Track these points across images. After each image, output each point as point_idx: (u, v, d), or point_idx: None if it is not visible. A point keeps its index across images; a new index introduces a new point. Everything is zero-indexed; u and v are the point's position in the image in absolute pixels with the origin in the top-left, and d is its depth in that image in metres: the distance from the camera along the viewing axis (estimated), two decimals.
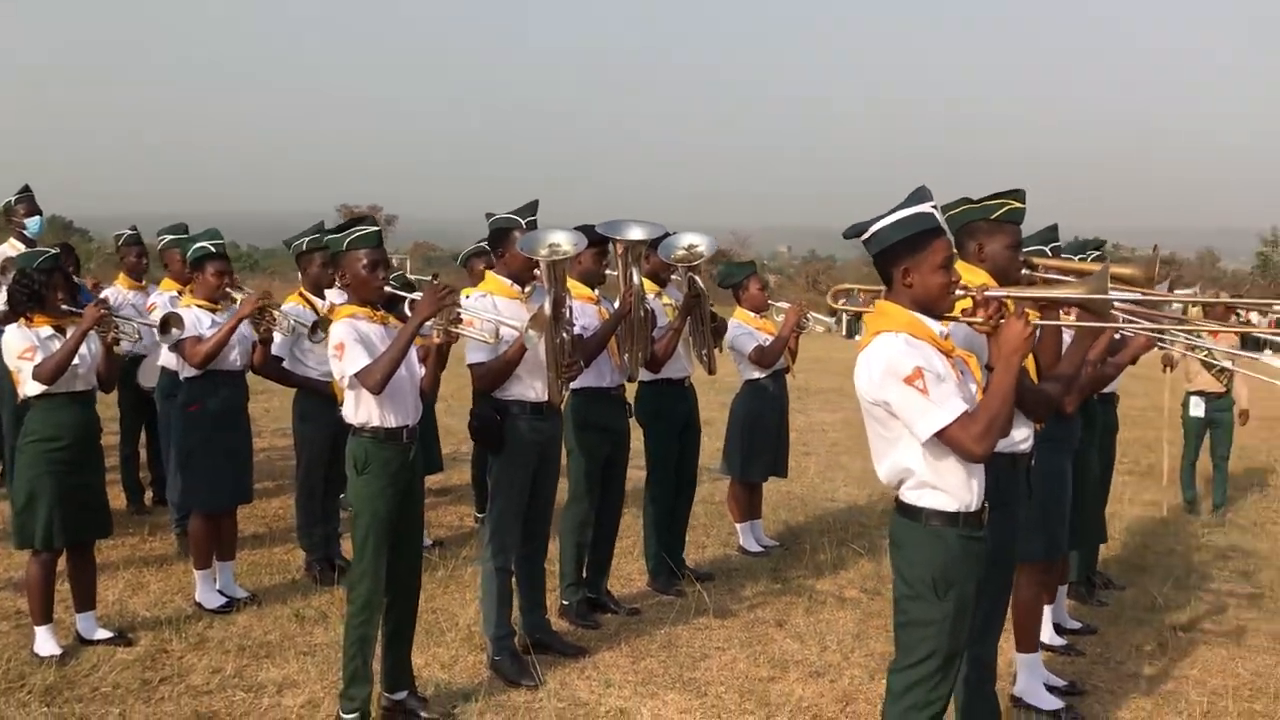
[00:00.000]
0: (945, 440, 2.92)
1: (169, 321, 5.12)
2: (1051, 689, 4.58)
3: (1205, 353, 7.22)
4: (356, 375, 3.91)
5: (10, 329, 4.76)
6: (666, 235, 5.67)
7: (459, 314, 4.10)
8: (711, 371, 6.04)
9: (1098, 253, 5.73)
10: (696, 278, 5.70)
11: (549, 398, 4.72)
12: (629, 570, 6.26)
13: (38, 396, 4.66)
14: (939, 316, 3.09)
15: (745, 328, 6.59)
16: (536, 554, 4.97)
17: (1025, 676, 4.53)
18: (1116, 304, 3.72)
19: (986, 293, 3.09)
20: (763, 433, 6.72)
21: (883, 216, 3.09)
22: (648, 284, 5.87)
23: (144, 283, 7.16)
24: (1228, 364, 7.91)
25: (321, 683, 4.55)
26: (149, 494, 7.46)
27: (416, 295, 4.25)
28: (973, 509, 3.05)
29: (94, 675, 4.57)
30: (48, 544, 4.65)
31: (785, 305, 6.90)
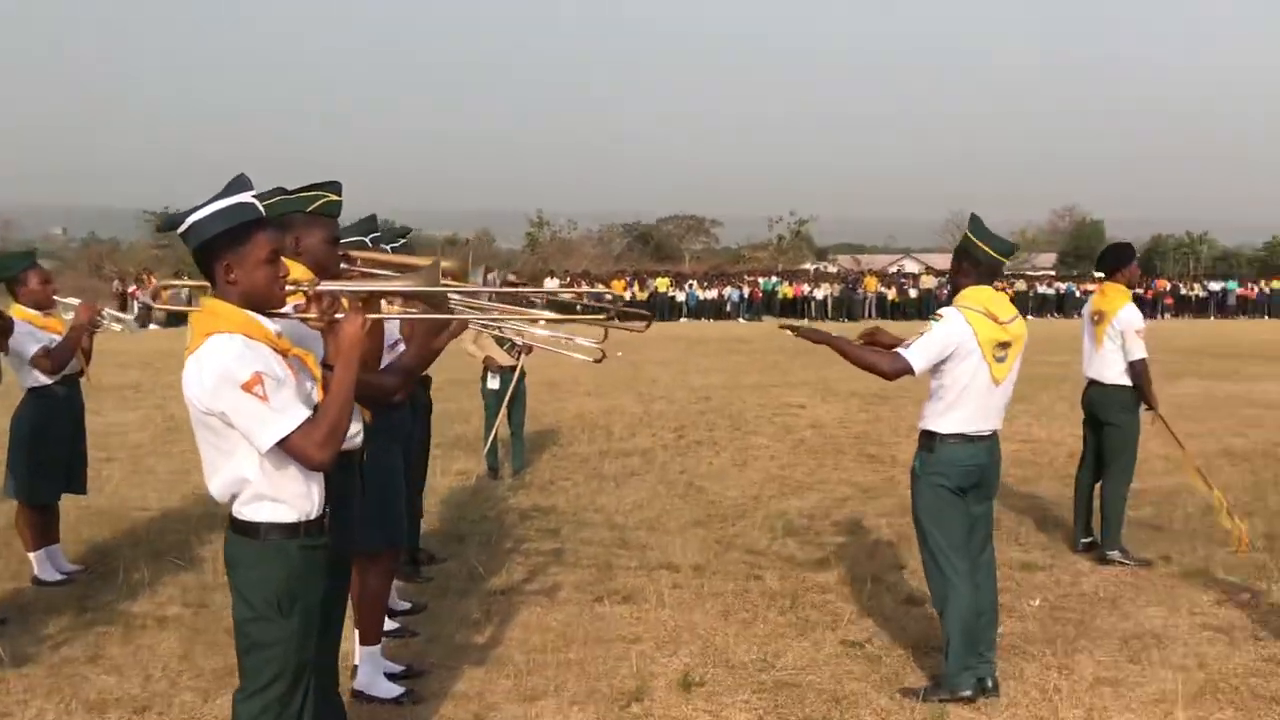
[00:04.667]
0: (288, 449, 2.75)
1: None
2: (390, 676, 4.62)
3: (499, 330, 7.74)
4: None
5: None
6: None
7: None
8: None
9: (404, 240, 5.88)
10: None
11: None
12: None
13: None
14: (270, 313, 2.91)
15: (26, 326, 5.76)
16: None
17: (367, 669, 4.52)
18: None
19: (320, 287, 2.97)
20: (54, 446, 5.95)
21: (199, 207, 2.83)
22: None
23: None
24: (518, 339, 8.60)
25: None
26: None
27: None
28: (314, 516, 2.93)
29: None
30: None
31: (75, 301, 6.15)
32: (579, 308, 4.80)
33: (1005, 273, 47.88)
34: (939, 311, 4.59)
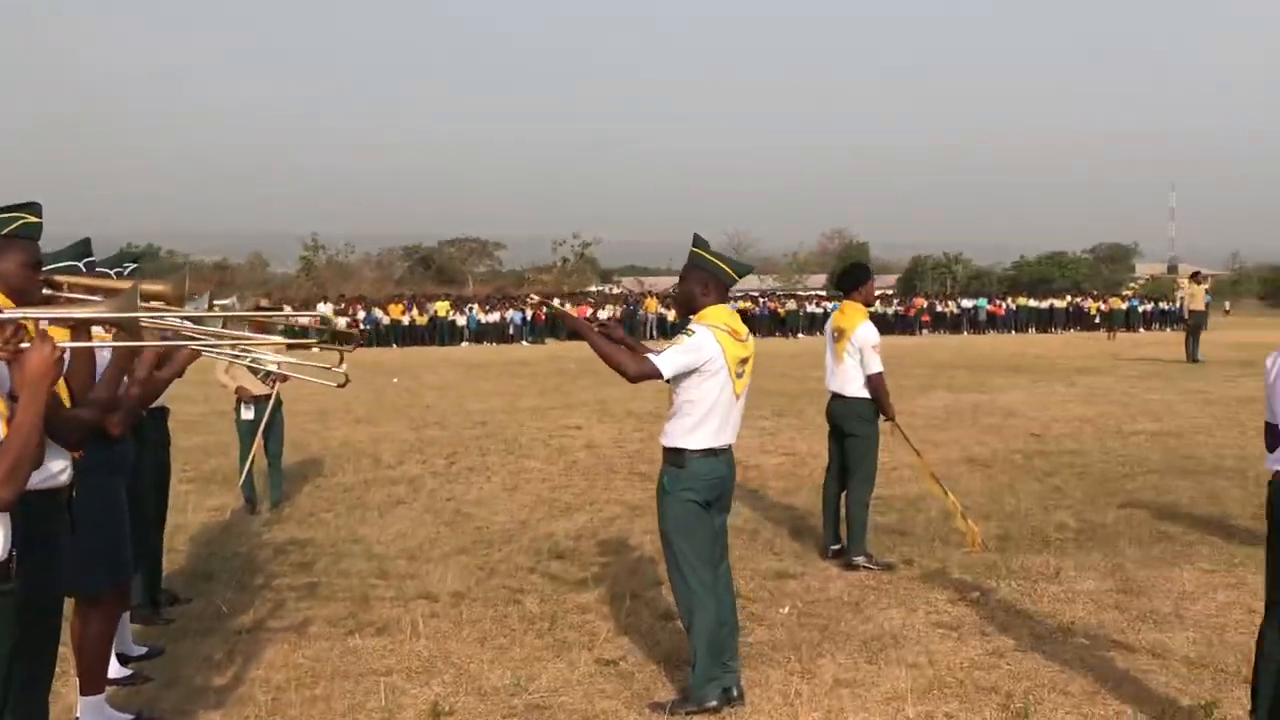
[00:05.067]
0: None
1: None
2: None
3: (252, 359, 7.46)
4: None
5: None
6: None
7: None
8: None
9: (135, 265, 5.59)
10: None
11: None
12: None
13: None
14: None
15: None
16: None
17: None
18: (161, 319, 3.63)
19: (1, 315, 2.77)
20: None
21: None
22: None
23: None
24: (273, 368, 8.33)
25: None
26: None
27: None
28: None
29: None
30: None
31: None
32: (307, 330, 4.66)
33: (779, 293, 49.63)
34: (690, 327, 4.65)
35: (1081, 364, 23.74)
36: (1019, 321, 45.86)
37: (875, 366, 6.74)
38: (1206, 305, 30.72)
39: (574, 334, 4.77)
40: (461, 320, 38.12)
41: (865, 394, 6.80)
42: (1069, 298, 49.37)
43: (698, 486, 4.63)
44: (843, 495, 7.01)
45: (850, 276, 7.06)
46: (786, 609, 5.96)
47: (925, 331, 43.63)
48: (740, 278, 4.86)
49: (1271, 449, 4.01)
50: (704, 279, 4.75)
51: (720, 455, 4.67)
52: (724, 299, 4.79)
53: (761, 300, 46.00)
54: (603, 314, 41.14)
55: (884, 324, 43.93)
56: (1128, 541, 7.35)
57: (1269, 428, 4.06)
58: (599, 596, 6.24)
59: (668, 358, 4.52)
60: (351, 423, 14.32)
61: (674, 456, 4.66)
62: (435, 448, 12.13)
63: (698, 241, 4.82)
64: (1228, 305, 58.40)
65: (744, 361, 4.69)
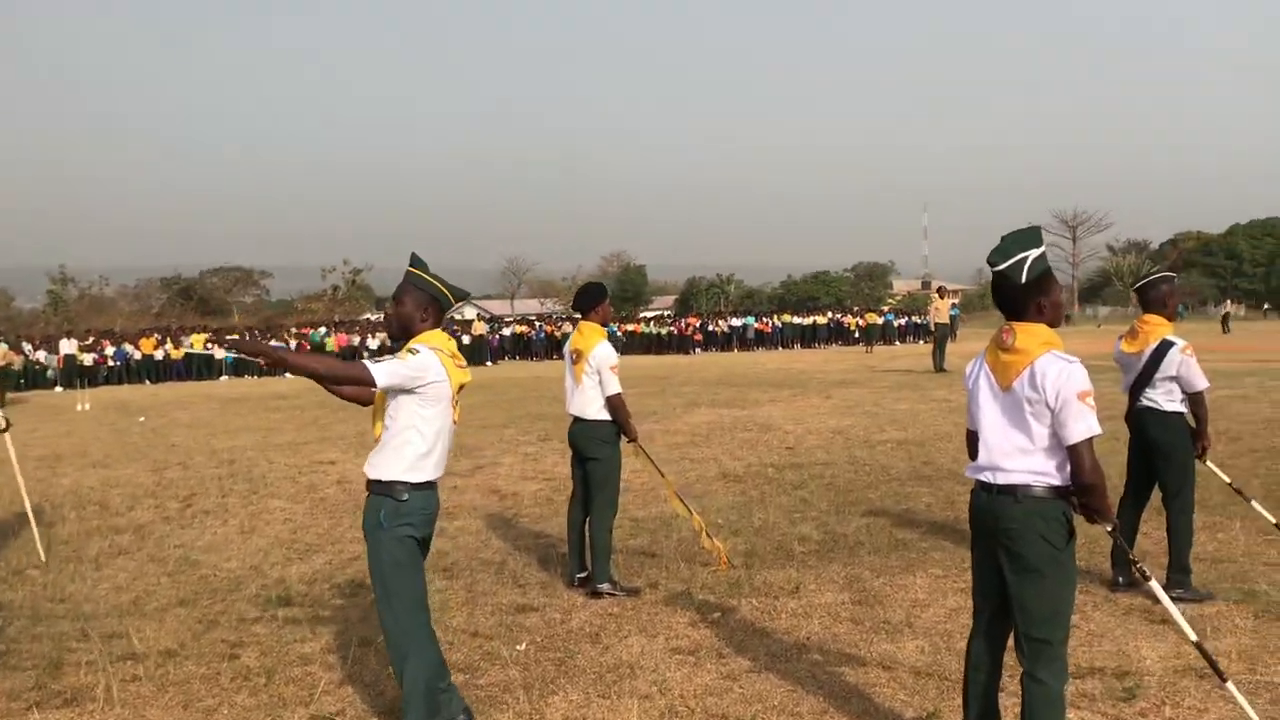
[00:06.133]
0: None
1: None
2: None
3: None
4: None
5: None
6: None
7: None
8: None
9: None
10: None
11: None
12: None
13: None
14: None
15: None
16: None
17: None
18: None
19: None
20: None
21: None
22: None
23: None
24: None
25: None
26: None
27: None
28: None
29: None
30: None
31: None
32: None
33: (557, 316, 49.52)
34: (413, 346, 4.35)
35: (839, 377, 24.61)
36: (785, 338, 47.41)
37: (614, 388, 6.61)
38: (952, 318, 32.49)
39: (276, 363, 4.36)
40: (220, 354, 36.23)
41: (606, 416, 6.66)
42: (830, 314, 51.44)
43: (416, 522, 4.36)
44: (587, 521, 6.84)
45: (587, 296, 6.91)
46: (523, 645, 5.72)
47: (698, 350, 44.51)
48: (458, 301, 4.61)
49: (973, 456, 4.06)
50: (423, 301, 4.48)
51: (434, 488, 4.42)
52: (440, 323, 4.54)
53: (538, 323, 45.85)
54: (372, 342, 40.06)
55: (659, 343, 44.65)
56: (868, 551, 7.49)
57: (970, 435, 4.11)
58: (325, 645, 5.83)
59: (385, 367, 4.18)
60: (85, 467, 13.24)
61: (390, 489, 4.35)
62: (172, 490, 11.31)
63: (415, 261, 4.54)
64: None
65: (462, 388, 4.46)
